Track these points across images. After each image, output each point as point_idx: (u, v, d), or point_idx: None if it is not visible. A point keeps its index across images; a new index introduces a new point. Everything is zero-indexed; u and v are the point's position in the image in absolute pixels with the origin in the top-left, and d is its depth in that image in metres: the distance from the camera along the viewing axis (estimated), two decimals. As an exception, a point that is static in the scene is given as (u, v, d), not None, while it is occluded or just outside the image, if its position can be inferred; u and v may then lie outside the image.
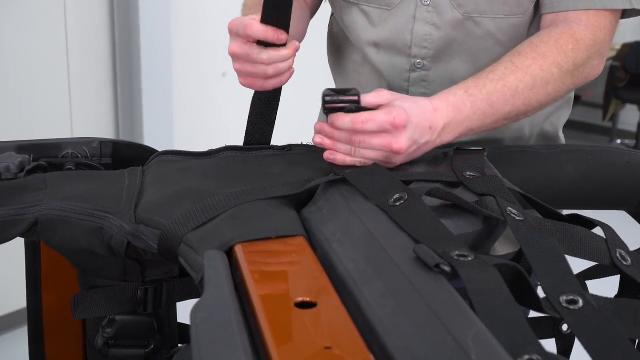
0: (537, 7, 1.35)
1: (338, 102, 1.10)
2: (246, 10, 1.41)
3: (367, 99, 1.11)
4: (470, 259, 0.79)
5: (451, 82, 1.37)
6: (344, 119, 1.09)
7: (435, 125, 1.13)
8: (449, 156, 1.19)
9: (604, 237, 0.97)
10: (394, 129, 1.08)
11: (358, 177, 1.04)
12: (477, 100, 1.18)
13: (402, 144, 1.09)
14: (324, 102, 1.10)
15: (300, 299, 0.75)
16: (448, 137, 1.17)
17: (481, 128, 1.21)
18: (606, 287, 1.08)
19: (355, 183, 1.03)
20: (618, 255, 0.93)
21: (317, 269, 0.84)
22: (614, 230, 0.98)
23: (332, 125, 1.11)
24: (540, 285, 0.83)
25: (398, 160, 1.12)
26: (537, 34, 1.30)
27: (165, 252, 0.99)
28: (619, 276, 0.99)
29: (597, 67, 1.32)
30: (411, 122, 1.09)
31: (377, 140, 1.09)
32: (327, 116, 1.12)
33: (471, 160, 1.14)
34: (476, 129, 1.21)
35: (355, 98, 1.09)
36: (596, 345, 0.73)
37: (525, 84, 1.21)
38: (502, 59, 1.25)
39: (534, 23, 1.37)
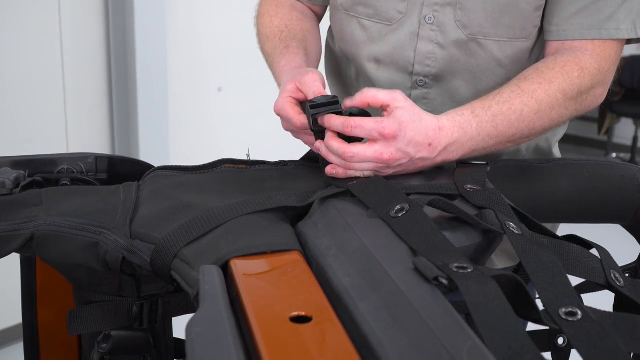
0: (541, 31, 1.36)
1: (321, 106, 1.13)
2: (268, 45, 1.44)
3: (378, 94, 1.12)
4: (469, 270, 0.80)
5: (452, 101, 1.37)
6: (336, 121, 1.11)
7: (436, 144, 1.14)
8: (450, 169, 1.20)
9: (599, 257, 0.97)
10: (383, 138, 1.09)
11: (361, 189, 1.05)
12: (482, 122, 1.19)
13: (392, 154, 1.10)
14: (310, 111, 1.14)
15: (295, 314, 0.75)
16: (451, 157, 1.18)
17: (485, 149, 1.22)
18: (600, 303, 1.08)
19: (358, 195, 1.04)
20: (612, 276, 0.94)
21: (312, 283, 0.84)
22: (608, 252, 0.99)
23: (328, 128, 1.14)
24: (540, 297, 0.84)
25: (389, 171, 1.13)
26: (543, 60, 1.31)
27: (157, 267, 0.99)
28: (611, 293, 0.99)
29: (599, 96, 1.33)
30: (404, 135, 1.10)
31: (368, 152, 1.10)
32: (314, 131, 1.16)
33: (473, 174, 1.15)
34: (479, 150, 1.22)
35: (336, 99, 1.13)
36: (595, 356, 0.73)
37: (530, 107, 1.22)
38: (509, 82, 1.26)
39: (536, 47, 1.37)
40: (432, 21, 1.34)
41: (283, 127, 1.23)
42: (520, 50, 1.35)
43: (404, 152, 1.11)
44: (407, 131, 1.10)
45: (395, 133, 1.09)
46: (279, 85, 1.31)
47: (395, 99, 1.13)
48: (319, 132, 1.16)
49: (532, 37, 1.35)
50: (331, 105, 1.14)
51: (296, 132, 1.22)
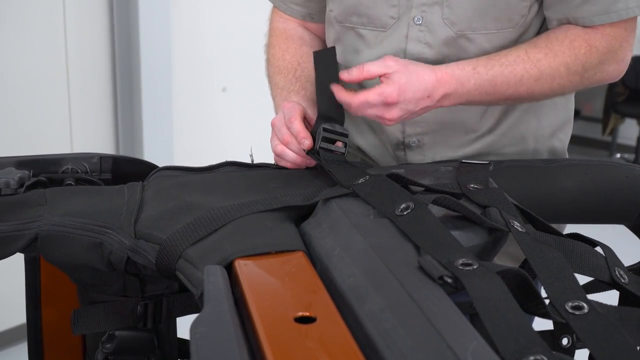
0: (530, 20, 1.36)
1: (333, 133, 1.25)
2: (280, 78, 1.49)
3: (372, 68, 1.23)
4: (474, 267, 0.80)
5: None
6: (343, 97, 1.25)
7: (434, 95, 1.24)
8: (452, 168, 1.20)
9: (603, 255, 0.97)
10: (386, 105, 1.21)
11: (366, 189, 1.06)
12: (481, 80, 1.27)
13: (394, 115, 1.23)
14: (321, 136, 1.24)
15: (299, 314, 0.75)
16: (446, 104, 1.28)
17: (481, 102, 1.32)
18: (605, 300, 1.08)
19: (363, 195, 1.05)
20: (617, 273, 0.94)
21: (316, 283, 0.84)
22: (612, 250, 0.99)
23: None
24: (546, 292, 0.84)
25: (391, 123, 1.26)
26: (555, 29, 1.34)
27: (162, 267, 0.99)
28: (615, 292, 0.99)
29: (613, 72, 1.37)
30: (404, 99, 1.21)
31: (371, 112, 1.24)
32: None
33: (475, 173, 1.15)
34: (475, 102, 1.31)
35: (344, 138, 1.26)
36: (602, 349, 0.73)
37: (531, 74, 1.29)
38: (519, 46, 1.32)
39: (526, 35, 1.37)
40: (420, 22, 1.35)
41: (275, 139, 1.30)
42: (508, 39, 1.35)
43: (405, 109, 1.23)
44: (407, 93, 1.21)
45: (396, 99, 1.21)
46: (278, 111, 1.40)
47: (388, 66, 1.23)
48: (317, 154, 1.23)
49: (519, 26, 1.35)
50: (342, 135, 1.24)
51: (286, 146, 1.28)
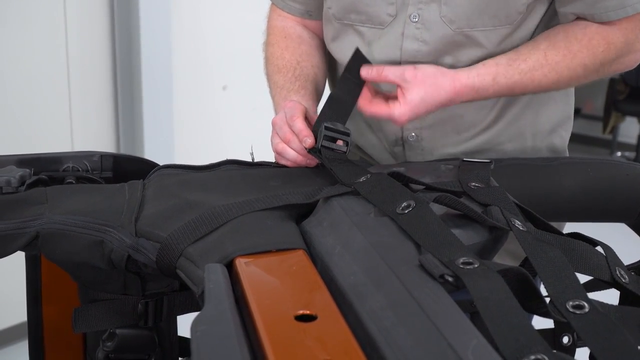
0: (533, 17, 1.36)
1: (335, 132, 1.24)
2: (279, 77, 1.49)
3: (390, 75, 1.25)
4: (475, 265, 0.80)
5: None
6: (359, 101, 1.28)
7: (448, 104, 1.28)
8: (454, 166, 1.20)
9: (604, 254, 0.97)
10: (393, 120, 1.25)
11: (367, 188, 1.06)
12: (499, 88, 1.30)
13: (400, 125, 1.29)
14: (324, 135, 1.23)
15: (300, 312, 0.75)
16: (459, 103, 1.31)
17: (491, 100, 1.38)
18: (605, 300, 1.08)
19: (364, 193, 1.05)
20: (617, 272, 0.94)
21: (317, 282, 0.84)
22: (612, 250, 0.99)
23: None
24: (547, 291, 0.84)
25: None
26: (573, 24, 1.35)
27: (163, 265, 0.99)
28: (614, 291, 0.99)
29: (629, 62, 1.38)
30: (415, 115, 1.23)
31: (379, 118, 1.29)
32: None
33: (477, 171, 1.15)
34: (487, 100, 1.37)
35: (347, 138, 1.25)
36: (604, 348, 0.73)
37: (549, 79, 1.31)
38: (538, 44, 1.33)
39: (525, 29, 1.37)
40: (416, 19, 1.35)
41: (276, 137, 1.30)
42: (504, 35, 1.35)
43: (415, 117, 1.26)
44: (419, 110, 1.24)
45: (405, 120, 1.25)
46: (278, 110, 1.40)
47: (405, 79, 1.25)
48: (319, 152, 1.23)
49: (516, 23, 1.34)
50: (343, 134, 1.23)
51: (287, 145, 1.28)
